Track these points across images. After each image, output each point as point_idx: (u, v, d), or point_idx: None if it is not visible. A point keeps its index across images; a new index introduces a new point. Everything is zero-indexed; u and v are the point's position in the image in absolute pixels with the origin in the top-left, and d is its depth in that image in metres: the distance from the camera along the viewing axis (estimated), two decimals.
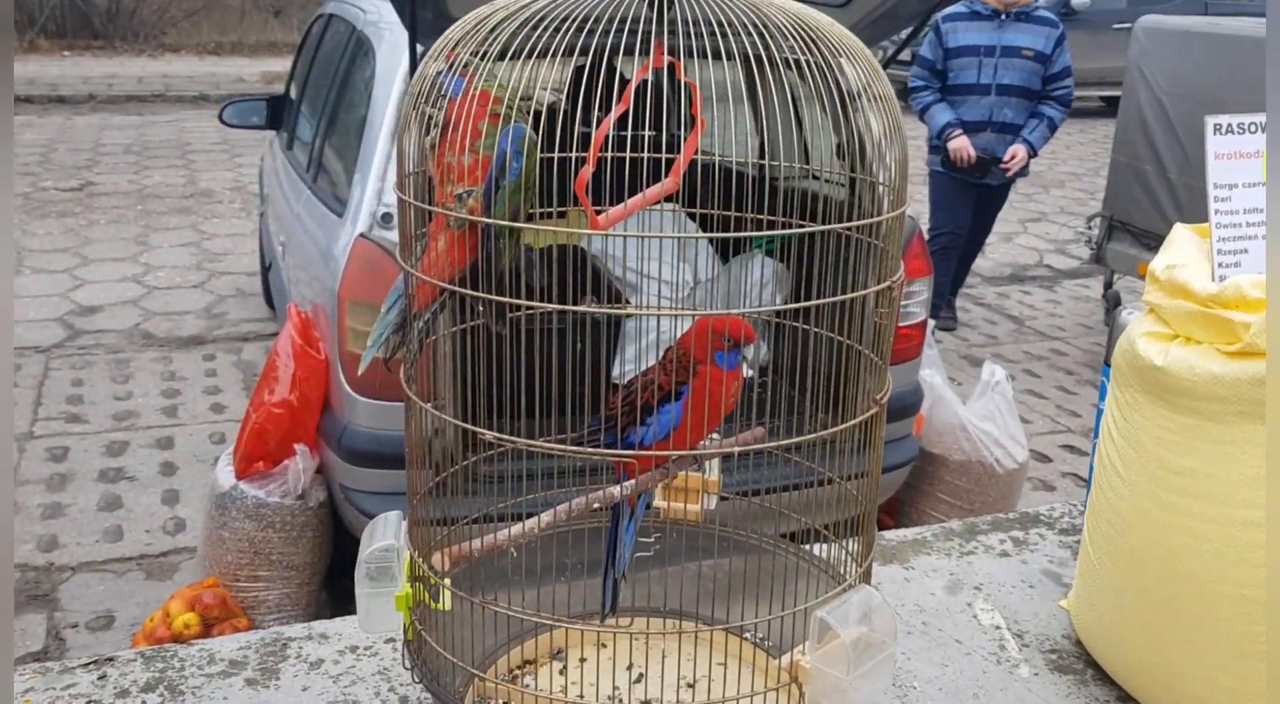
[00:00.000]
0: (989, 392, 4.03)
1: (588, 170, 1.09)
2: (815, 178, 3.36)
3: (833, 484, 1.43)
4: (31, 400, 4.90)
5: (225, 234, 7.64)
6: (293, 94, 5.31)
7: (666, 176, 1.25)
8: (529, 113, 1.21)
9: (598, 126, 1.07)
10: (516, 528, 1.24)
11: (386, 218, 3.25)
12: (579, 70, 1.16)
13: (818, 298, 1.14)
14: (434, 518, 1.28)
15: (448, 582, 1.22)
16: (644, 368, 1.39)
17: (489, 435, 1.09)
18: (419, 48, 2.91)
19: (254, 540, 3.38)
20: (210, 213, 8.20)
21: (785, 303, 3.13)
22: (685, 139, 1.22)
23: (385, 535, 1.22)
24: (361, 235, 3.25)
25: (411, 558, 1.24)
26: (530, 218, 1.24)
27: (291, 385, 3.43)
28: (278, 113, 5.35)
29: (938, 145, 5.74)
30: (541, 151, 1.30)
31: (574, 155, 1.32)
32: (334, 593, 3.55)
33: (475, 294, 1.14)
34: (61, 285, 6.47)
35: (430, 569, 1.23)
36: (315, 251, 3.64)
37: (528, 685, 1.41)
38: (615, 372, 3.40)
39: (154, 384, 5.18)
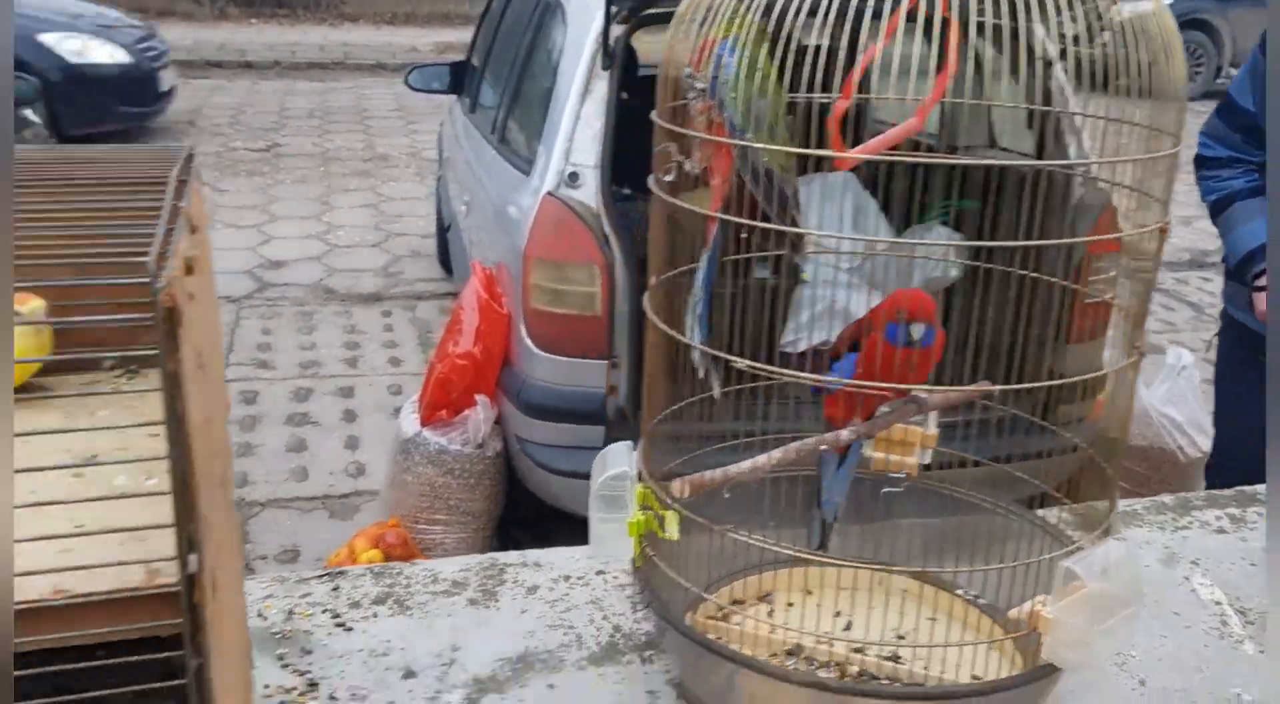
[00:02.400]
0: (1174, 377, 3.85)
1: (844, 104, 1.08)
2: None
3: (1053, 451, 1.40)
4: (225, 345, 5.17)
5: (401, 197, 7.90)
6: (475, 60, 5.43)
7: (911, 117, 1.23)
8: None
9: (860, 60, 1.07)
10: (747, 463, 1.25)
11: (573, 177, 3.30)
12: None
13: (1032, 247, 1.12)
14: (666, 448, 1.30)
15: (679, 510, 1.24)
16: (815, 336, 1.39)
17: (742, 363, 1.10)
18: (612, 7, 2.95)
19: (435, 485, 3.50)
20: (387, 176, 8.49)
21: (960, 274, 3.05)
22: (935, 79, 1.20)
23: (617, 464, 1.25)
24: (549, 194, 3.31)
25: (644, 486, 1.26)
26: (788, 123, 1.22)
27: (475, 338, 3.52)
28: (460, 78, 5.48)
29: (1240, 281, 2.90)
30: (797, 92, 1.30)
31: (816, 96, 1.32)
32: (504, 542, 3.65)
33: (743, 222, 1.16)
34: (251, 240, 6.79)
35: (663, 498, 1.25)
36: (500, 211, 3.73)
37: (740, 623, 1.43)
38: (786, 339, 3.39)
39: (336, 336, 5.41)
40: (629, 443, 1.31)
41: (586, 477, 2.84)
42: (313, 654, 1.33)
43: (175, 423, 0.75)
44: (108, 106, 8.26)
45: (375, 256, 6.62)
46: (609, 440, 1.33)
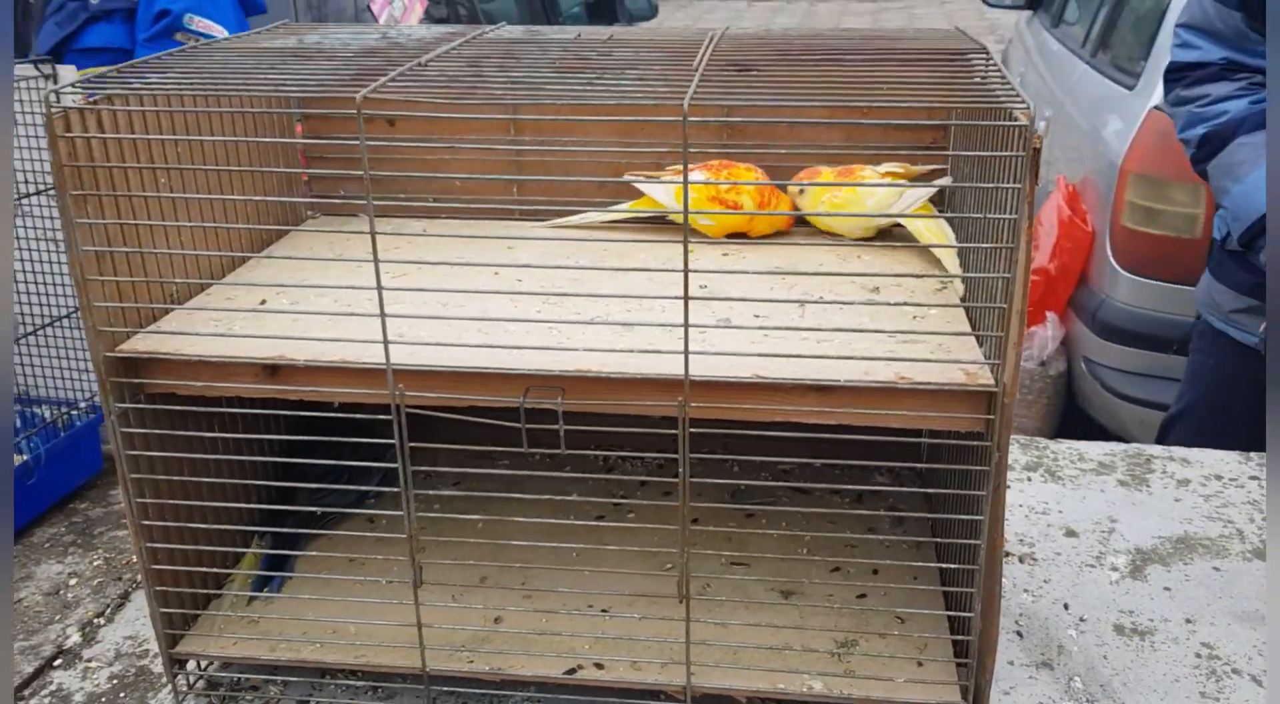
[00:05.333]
0: None
1: None
2: None
3: None
4: None
5: None
6: None
7: None
8: None
9: None
10: None
11: None
12: None
13: None
14: None
15: None
16: None
17: None
18: None
19: None
20: None
21: None
22: None
23: None
24: (1156, 107, 3.18)
25: None
26: None
27: (1051, 254, 3.49)
28: None
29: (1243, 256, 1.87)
30: None
31: None
32: None
33: None
34: None
35: None
36: (1093, 126, 3.63)
37: None
38: None
39: None
40: None
41: (1160, 406, 2.74)
42: None
43: (1015, 243, 0.89)
44: None
45: None
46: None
